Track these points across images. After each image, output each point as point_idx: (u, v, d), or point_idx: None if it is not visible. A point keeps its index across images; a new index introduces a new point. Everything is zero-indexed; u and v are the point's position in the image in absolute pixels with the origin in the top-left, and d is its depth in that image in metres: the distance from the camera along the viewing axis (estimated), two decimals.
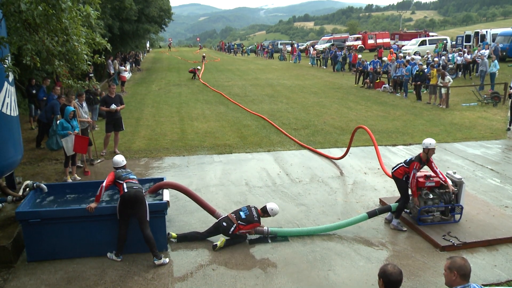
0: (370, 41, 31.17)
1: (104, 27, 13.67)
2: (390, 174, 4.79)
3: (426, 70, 12.22)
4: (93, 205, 3.81)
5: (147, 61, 30.39)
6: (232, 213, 4.13)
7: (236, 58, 33.32)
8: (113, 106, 6.95)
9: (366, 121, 9.55)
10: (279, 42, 40.05)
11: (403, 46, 25.07)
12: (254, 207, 4.20)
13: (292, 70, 21.95)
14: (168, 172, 6.28)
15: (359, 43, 31.17)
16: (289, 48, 31.35)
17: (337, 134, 8.46)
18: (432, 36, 27.98)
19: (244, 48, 41.08)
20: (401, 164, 4.52)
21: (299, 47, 32.49)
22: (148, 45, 42.39)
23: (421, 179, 4.52)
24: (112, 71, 16.03)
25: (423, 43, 23.90)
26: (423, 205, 4.49)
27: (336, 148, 7.54)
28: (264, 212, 4.14)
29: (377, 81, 14.93)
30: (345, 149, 6.95)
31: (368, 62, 15.75)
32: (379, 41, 30.78)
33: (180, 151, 7.39)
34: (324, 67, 23.04)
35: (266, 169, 6.43)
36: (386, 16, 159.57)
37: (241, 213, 4.09)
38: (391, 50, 20.14)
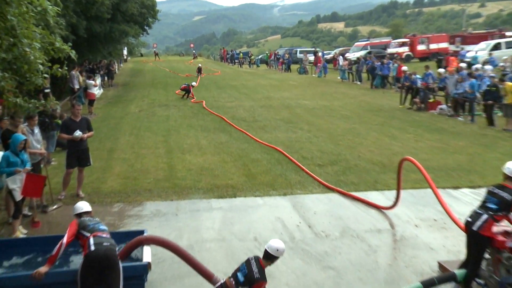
0: (421, 47, 30.61)
1: (66, 28, 13.51)
2: (464, 227, 4.33)
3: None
4: (42, 269, 3.43)
5: (124, 74, 31.04)
6: (229, 277, 3.71)
7: (241, 70, 34.08)
8: (78, 133, 6.80)
9: (416, 154, 9.39)
10: (298, 49, 40.89)
11: (468, 52, 24.49)
12: (254, 258, 3.71)
13: (315, 86, 22.03)
14: (150, 222, 6.14)
15: (405, 50, 30.85)
16: (311, 57, 31.55)
17: (377, 172, 8.31)
18: (510, 37, 26.88)
19: (252, 57, 41.85)
20: (487, 217, 4.03)
21: (325, 57, 32.33)
22: (125, 52, 43.49)
23: (500, 237, 4.09)
24: (76, 87, 16.01)
25: (496, 47, 23.28)
26: (505, 275, 4.02)
27: (375, 191, 7.37)
28: (268, 258, 3.72)
29: (431, 100, 14.70)
30: (387, 192, 6.82)
31: (419, 76, 15.57)
32: (433, 46, 30.20)
33: (167, 194, 7.26)
34: (358, 83, 23.22)
35: (282, 219, 6.30)
36: (444, 12, 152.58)
37: (239, 274, 3.65)
38: (453, 58, 19.43)
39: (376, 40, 37.24)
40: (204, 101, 16.96)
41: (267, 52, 43.89)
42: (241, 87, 21.97)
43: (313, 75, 28.13)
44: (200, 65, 29.90)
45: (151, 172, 8.38)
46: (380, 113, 14.47)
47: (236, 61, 42.39)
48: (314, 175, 8.09)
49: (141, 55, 56.57)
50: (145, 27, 26.76)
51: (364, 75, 23.06)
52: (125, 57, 43.32)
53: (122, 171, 8.47)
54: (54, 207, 6.48)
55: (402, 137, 11.20)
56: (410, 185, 7.56)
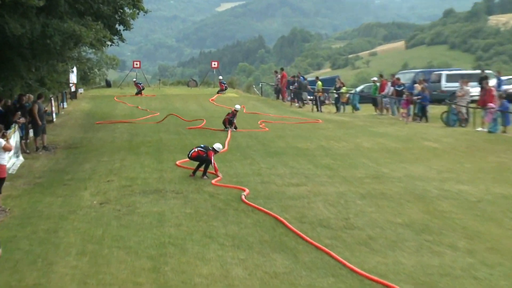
0: None
1: None
2: None
3: None
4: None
5: (70, 123, 31.94)
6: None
7: (320, 117, 34.66)
8: None
9: None
10: (444, 72, 41.08)
11: None
12: None
13: (483, 154, 22.00)
14: None
15: None
16: (475, 89, 31.49)
17: None
18: None
19: (344, 90, 39.95)
20: None
21: (504, 88, 32.61)
22: (74, 78, 45.43)
23: None
24: None
25: None
26: None
27: None
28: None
29: None
30: None
31: None
32: None
33: None
34: None
35: None
36: None
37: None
38: None
39: None
40: (244, 189, 16.44)
41: (374, 78, 40.02)
42: (320, 154, 21.86)
43: (478, 129, 27.19)
44: (236, 108, 28.74)
45: None
46: None
47: (309, 98, 42.02)
48: None
49: (108, 85, 56.26)
50: (118, 27, 28.99)
51: None
52: (72, 89, 44.40)
53: None
54: None
55: None
56: None
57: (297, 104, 41.76)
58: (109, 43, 29.86)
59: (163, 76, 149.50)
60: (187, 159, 18.77)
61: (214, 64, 60.10)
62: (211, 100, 43.68)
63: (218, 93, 49.01)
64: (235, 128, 27.25)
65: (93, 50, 38.01)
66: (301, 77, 44.52)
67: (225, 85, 51.44)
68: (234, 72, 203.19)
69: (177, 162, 19.72)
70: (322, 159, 21.11)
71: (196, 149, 18.33)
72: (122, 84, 56.94)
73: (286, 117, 34.18)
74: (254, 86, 64.03)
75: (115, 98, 44.81)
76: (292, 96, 43.52)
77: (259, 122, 30.46)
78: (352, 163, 20.33)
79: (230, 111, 28.49)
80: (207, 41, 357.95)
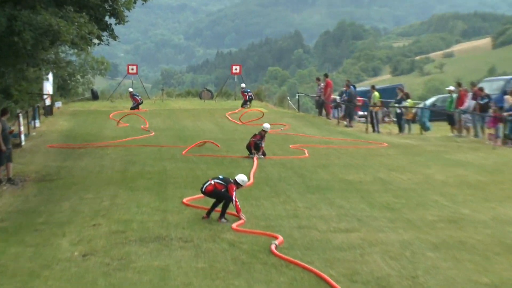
0: None
1: None
2: None
3: None
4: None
5: (44, 148, 32.09)
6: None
7: (380, 138, 35.35)
8: None
9: None
10: None
11: None
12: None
13: None
14: None
15: None
16: None
17: None
18: None
19: (410, 103, 39.82)
20: None
21: None
22: (49, 87, 46.29)
23: None
24: None
25: None
26: None
27: None
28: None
29: None
30: None
31: None
32: None
33: None
34: None
35: None
36: None
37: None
38: None
39: None
40: (275, 235, 16.20)
41: (451, 88, 39.98)
42: (377, 189, 21.76)
43: None
44: (265, 128, 28.56)
45: None
46: None
47: (362, 114, 42.70)
48: None
49: (94, 96, 57.01)
50: (108, 20, 30.01)
51: None
52: (47, 102, 44.89)
53: None
54: None
55: None
56: None
57: (346, 123, 41.80)
58: (96, 41, 30.51)
59: (167, 84, 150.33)
60: (200, 195, 18.68)
61: (236, 69, 60.57)
62: (228, 115, 43.90)
63: (242, 106, 49.19)
64: (263, 154, 27.33)
65: (75, 50, 38.05)
66: (352, 86, 44.47)
67: (250, 94, 51.24)
68: (262, 80, 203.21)
69: (186, 200, 19.56)
70: (380, 196, 20.96)
71: (212, 182, 18.14)
72: (113, 95, 57.61)
73: (332, 140, 34.20)
74: (288, 98, 64.17)
75: (110, 116, 43.92)
76: (340, 111, 43.52)
77: (295, 146, 30.54)
78: (420, 202, 20.14)
79: (256, 132, 28.51)
80: (226, 39, 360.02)
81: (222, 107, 50.51)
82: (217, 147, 29.61)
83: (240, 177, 18.76)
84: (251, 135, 28.30)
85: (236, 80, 58.95)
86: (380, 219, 17.95)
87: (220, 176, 18.71)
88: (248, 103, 49.64)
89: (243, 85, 53.58)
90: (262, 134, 27.74)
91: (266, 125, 27.83)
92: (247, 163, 25.58)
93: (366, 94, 44.48)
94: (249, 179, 21.48)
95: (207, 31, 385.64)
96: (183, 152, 27.92)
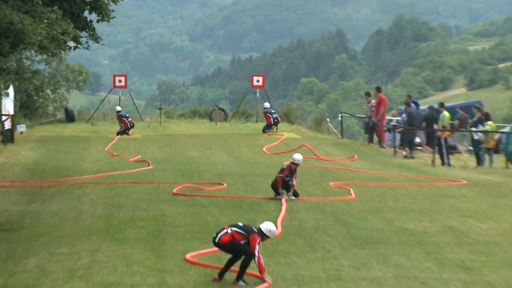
0: None
1: None
2: None
3: None
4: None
5: None
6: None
7: (451, 174, 36.11)
8: None
9: None
10: None
11: None
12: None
13: None
14: None
15: None
16: None
17: None
18: None
19: (493, 131, 40.61)
20: None
21: None
22: (8, 103, 46.88)
23: None
24: None
25: None
26: None
27: None
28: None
29: None
30: None
31: None
32: None
33: None
34: None
35: None
36: None
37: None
38: None
39: None
40: None
41: None
42: (448, 241, 21.95)
43: None
44: (296, 160, 28.36)
45: None
46: None
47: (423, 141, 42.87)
48: None
49: (69, 117, 57.91)
50: (88, 16, 30.90)
51: None
52: (7, 125, 45.45)
53: None
54: None
55: None
56: None
57: (405, 153, 41.98)
58: (72, 44, 30.47)
59: (166, 102, 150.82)
60: (211, 249, 18.70)
61: (258, 81, 61.22)
62: (266, 150, 42.76)
63: (265, 131, 49.56)
64: (295, 195, 27.31)
65: (45, 56, 38.05)
66: (414, 104, 44.53)
67: (276, 117, 51.37)
68: (292, 95, 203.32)
69: (190, 256, 19.36)
70: (451, 251, 20.78)
71: (229, 230, 17.91)
72: (94, 116, 57.65)
73: (387, 176, 34.46)
74: (328, 119, 64.43)
75: (105, 150, 43.22)
76: (396, 136, 43.60)
77: (337, 184, 30.67)
78: (506, 260, 19.96)
79: (284, 166, 28.60)
80: (244, 40, 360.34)
81: (240, 130, 50.93)
82: (223, 186, 29.54)
83: (267, 226, 18.69)
84: (278, 170, 28.26)
85: (258, 95, 59.07)
86: (452, 283, 17.75)
87: (240, 224, 18.54)
88: (274, 127, 49.84)
89: (266, 104, 53.81)
90: (292, 169, 27.63)
91: (297, 157, 27.61)
92: (272, 207, 25.62)
93: (430, 114, 44.10)
94: (277, 228, 21.40)
95: (219, 30, 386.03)
96: (175, 191, 28.06)
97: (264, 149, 43.86)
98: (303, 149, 36.99)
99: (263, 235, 17.96)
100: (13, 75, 36.62)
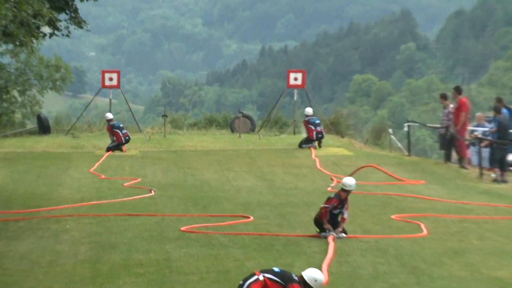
0: None
1: None
2: None
3: None
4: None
5: None
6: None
7: None
8: None
9: None
10: None
11: None
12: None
13: None
14: None
15: None
16: None
17: None
18: None
19: None
20: None
21: None
22: None
23: None
24: None
25: None
26: None
27: None
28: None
29: None
30: None
31: None
32: None
33: None
34: None
35: None
36: None
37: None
38: None
39: None
40: None
41: None
42: None
43: None
44: (346, 186, 28.70)
45: None
46: None
47: None
48: None
49: (43, 128, 58.94)
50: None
51: None
52: None
53: None
54: None
55: None
56: None
57: (495, 174, 42.13)
58: (47, 30, 30.40)
59: (173, 106, 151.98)
60: None
61: (295, 79, 61.58)
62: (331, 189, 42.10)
63: (302, 146, 50.22)
64: (344, 232, 27.64)
65: (11, 47, 38.49)
66: (506, 110, 44.87)
67: (319, 130, 51.76)
68: (342, 97, 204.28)
69: None
70: None
71: (260, 277, 17.90)
72: (76, 126, 58.40)
73: (470, 205, 34.65)
74: (391, 130, 65.06)
75: (91, 171, 43.56)
76: (482, 152, 43.46)
77: (402, 217, 30.95)
78: None
79: (332, 194, 28.82)
80: (277, 25, 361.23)
81: (272, 146, 51.54)
82: (249, 219, 29.47)
83: (311, 274, 18.58)
84: (325, 200, 28.40)
85: (296, 98, 59.30)
86: None
87: (276, 269, 18.46)
88: (315, 143, 50.46)
89: (308, 110, 53.78)
90: (342, 197, 27.66)
91: (349, 181, 27.46)
92: (315, 248, 25.66)
93: None
94: (323, 276, 21.37)
95: (244, 10, 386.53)
96: (184, 229, 27.97)
97: (329, 189, 40.34)
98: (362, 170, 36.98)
99: (306, 285, 17.70)
100: None
